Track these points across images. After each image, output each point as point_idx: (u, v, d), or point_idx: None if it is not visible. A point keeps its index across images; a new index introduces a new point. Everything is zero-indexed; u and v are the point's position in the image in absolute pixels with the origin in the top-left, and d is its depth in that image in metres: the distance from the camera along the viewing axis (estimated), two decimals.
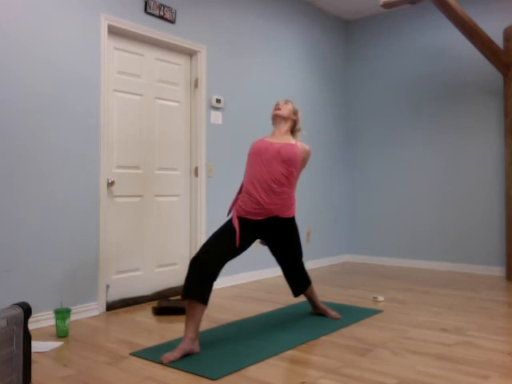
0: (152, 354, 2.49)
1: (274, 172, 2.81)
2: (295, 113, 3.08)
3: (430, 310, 3.42)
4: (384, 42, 5.70)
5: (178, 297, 3.90)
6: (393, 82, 5.62)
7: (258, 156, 2.87)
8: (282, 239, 2.98)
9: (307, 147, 3.06)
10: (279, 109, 3.02)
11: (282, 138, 2.96)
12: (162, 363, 2.37)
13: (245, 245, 2.79)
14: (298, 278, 3.14)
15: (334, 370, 2.28)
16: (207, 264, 2.58)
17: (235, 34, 4.52)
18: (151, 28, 3.76)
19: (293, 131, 3.08)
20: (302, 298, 3.70)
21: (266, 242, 3.04)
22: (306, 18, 5.38)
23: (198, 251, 2.64)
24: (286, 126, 3.02)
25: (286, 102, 3.08)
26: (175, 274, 4.04)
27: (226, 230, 2.76)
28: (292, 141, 2.97)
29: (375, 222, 5.73)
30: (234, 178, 4.20)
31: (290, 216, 2.92)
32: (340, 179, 5.90)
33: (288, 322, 3.13)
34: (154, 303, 3.72)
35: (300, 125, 3.12)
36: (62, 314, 2.85)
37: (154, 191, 3.90)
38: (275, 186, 2.80)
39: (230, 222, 2.80)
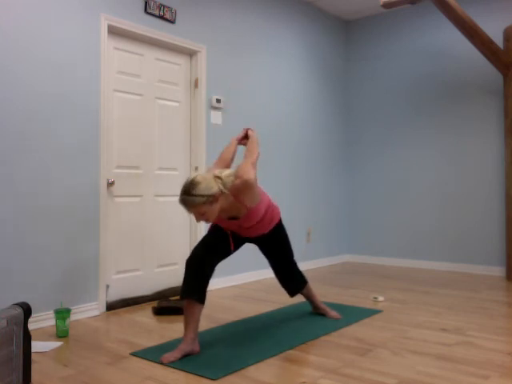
0: (152, 354, 2.49)
1: (247, 236, 2.78)
2: (211, 200, 2.32)
3: (430, 310, 3.42)
4: (384, 41, 5.70)
5: (178, 297, 3.90)
6: (393, 82, 5.62)
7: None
8: (271, 244, 2.96)
9: (239, 182, 2.40)
10: (206, 220, 2.40)
11: (230, 210, 2.53)
12: (162, 363, 2.37)
13: (236, 248, 2.83)
14: (291, 279, 3.11)
15: (334, 370, 2.28)
16: (201, 264, 2.57)
17: (235, 34, 4.52)
18: (151, 28, 3.76)
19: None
20: (301, 298, 3.71)
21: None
22: (306, 18, 5.38)
23: (192, 252, 2.64)
24: (220, 206, 2.41)
25: (193, 206, 2.32)
26: (175, 274, 4.04)
27: (217, 231, 2.75)
28: (236, 204, 2.49)
29: (375, 222, 5.73)
30: None
31: (274, 226, 2.90)
32: (340, 179, 5.90)
33: (288, 321, 3.13)
34: (154, 303, 3.72)
35: (222, 187, 2.38)
36: (62, 313, 2.85)
37: (154, 191, 3.90)
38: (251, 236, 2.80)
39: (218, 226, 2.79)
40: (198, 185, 2.28)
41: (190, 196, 2.28)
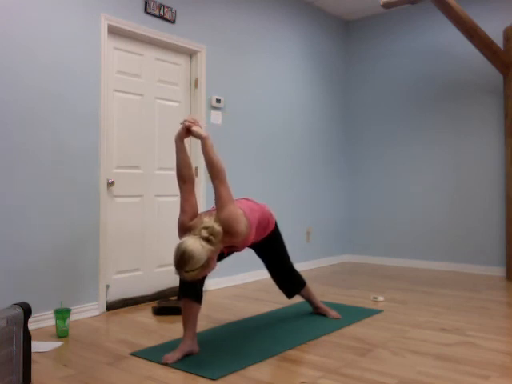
0: (152, 354, 2.49)
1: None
2: (206, 265, 2.25)
3: (430, 310, 3.42)
4: (384, 41, 5.70)
5: None
6: (393, 81, 5.62)
7: None
8: (266, 246, 2.96)
9: (229, 236, 2.38)
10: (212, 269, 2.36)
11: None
12: (165, 363, 2.36)
13: (229, 254, 2.80)
14: (287, 280, 3.10)
15: (334, 370, 2.28)
16: None
17: (235, 34, 4.52)
18: (151, 28, 3.76)
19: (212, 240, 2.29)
20: (301, 298, 3.70)
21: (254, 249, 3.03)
22: (306, 18, 5.38)
23: None
24: (218, 247, 2.34)
25: (191, 277, 2.28)
26: (175, 274, 4.03)
27: None
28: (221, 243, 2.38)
29: (375, 222, 5.73)
30: (233, 178, 4.20)
31: (269, 232, 2.87)
32: (340, 179, 5.90)
33: (288, 321, 3.13)
34: (154, 303, 3.72)
35: (214, 236, 2.29)
36: (62, 313, 2.85)
37: (154, 191, 3.90)
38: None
39: None
40: (191, 260, 2.19)
41: (185, 273, 2.25)
